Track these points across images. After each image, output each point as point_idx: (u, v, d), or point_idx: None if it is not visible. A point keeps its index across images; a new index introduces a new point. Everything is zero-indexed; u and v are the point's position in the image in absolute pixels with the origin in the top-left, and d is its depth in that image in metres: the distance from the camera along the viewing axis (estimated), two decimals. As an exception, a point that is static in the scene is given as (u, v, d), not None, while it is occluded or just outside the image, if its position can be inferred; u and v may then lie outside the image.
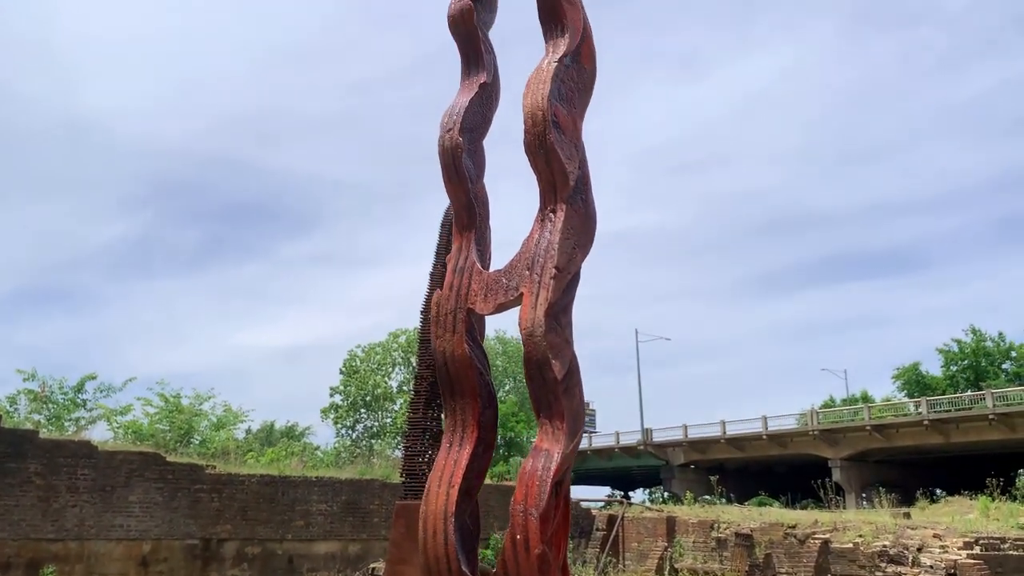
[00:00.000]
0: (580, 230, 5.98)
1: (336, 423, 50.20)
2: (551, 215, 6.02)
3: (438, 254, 13.00)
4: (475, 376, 6.02)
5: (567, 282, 5.80)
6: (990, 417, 45.10)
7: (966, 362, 55.54)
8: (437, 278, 12.30)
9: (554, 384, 5.37)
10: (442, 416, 10.10)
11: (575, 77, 6.33)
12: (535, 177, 6.24)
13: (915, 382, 56.55)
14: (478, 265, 6.39)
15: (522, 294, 5.82)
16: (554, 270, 5.73)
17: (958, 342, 56.71)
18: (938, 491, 42.46)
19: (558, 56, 6.26)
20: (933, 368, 57.78)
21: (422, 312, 12.88)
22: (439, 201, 12.46)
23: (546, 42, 6.50)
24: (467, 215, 6.63)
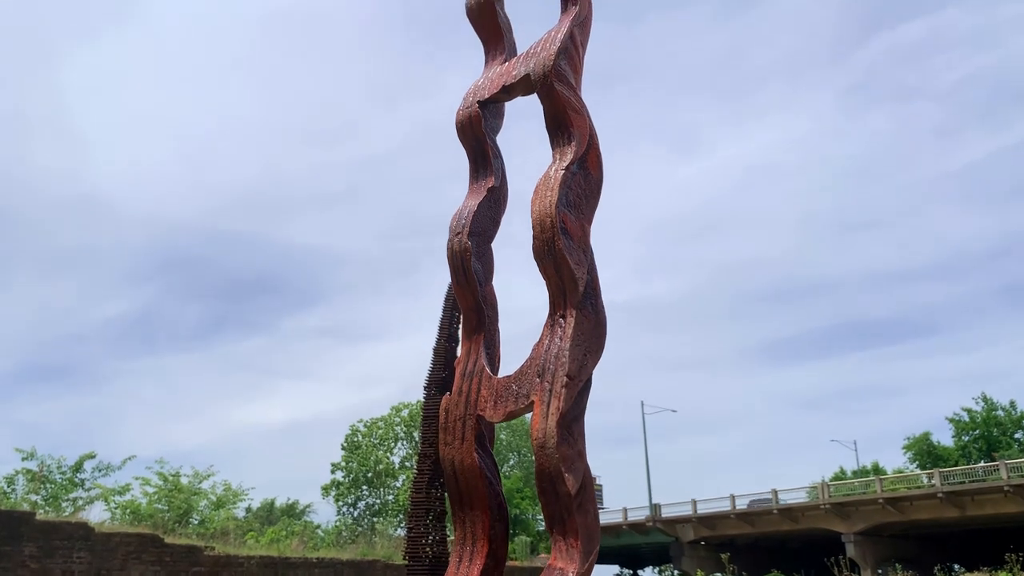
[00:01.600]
0: (591, 336, 5.95)
1: (337, 500, 49.26)
2: (561, 321, 6.01)
3: (441, 329, 13.04)
4: (485, 487, 5.90)
5: (579, 390, 5.74)
6: (1005, 489, 44.15)
7: (977, 432, 54.75)
8: (440, 353, 12.36)
9: (567, 499, 5.24)
10: (446, 495, 9.87)
11: (582, 183, 6.41)
12: (544, 282, 6.25)
13: (926, 452, 55.62)
14: (487, 370, 6.34)
15: (533, 402, 5.75)
16: (565, 378, 5.67)
17: (968, 411, 56.03)
18: (956, 567, 41.24)
19: (565, 163, 6.35)
20: (944, 438, 56.97)
21: (425, 387, 12.77)
22: (443, 274, 12.61)
23: (553, 148, 6.61)
24: (476, 318, 6.62)
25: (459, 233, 6.73)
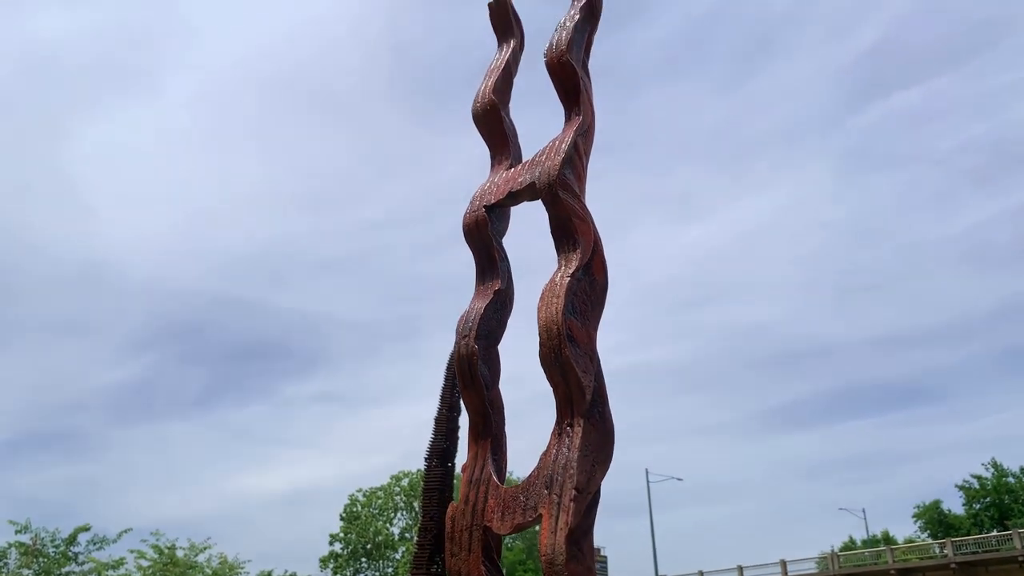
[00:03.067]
0: (599, 446, 5.94)
1: (336, 573, 48.07)
2: (568, 430, 6.00)
3: (442, 398, 13.09)
4: (493, 603, 5.80)
5: (587, 504, 5.70)
6: (1019, 559, 43.10)
7: (988, 499, 53.72)
8: (442, 423, 12.42)
9: (577, 619, 5.16)
10: (446, 572, 9.70)
11: (588, 290, 6.49)
12: (552, 391, 6.27)
13: (937, 521, 54.45)
14: (495, 479, 6.30)
15: (541, 515, 5.70)
16: (574, 491, 5.64)
17: (978, 478, 55.08)
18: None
19: (571, 270, 6.45)
20: (955, 506, 55.85)
21: (426, 458, 12.74)
22: (444, 339, 12.78)
23: (558, 254, 6.71)
24: (483, 422, 6.61)
25: (466, 336, 6.78)
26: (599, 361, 6.33)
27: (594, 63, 7.98)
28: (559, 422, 6.08)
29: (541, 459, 5.97)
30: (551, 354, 6.11)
